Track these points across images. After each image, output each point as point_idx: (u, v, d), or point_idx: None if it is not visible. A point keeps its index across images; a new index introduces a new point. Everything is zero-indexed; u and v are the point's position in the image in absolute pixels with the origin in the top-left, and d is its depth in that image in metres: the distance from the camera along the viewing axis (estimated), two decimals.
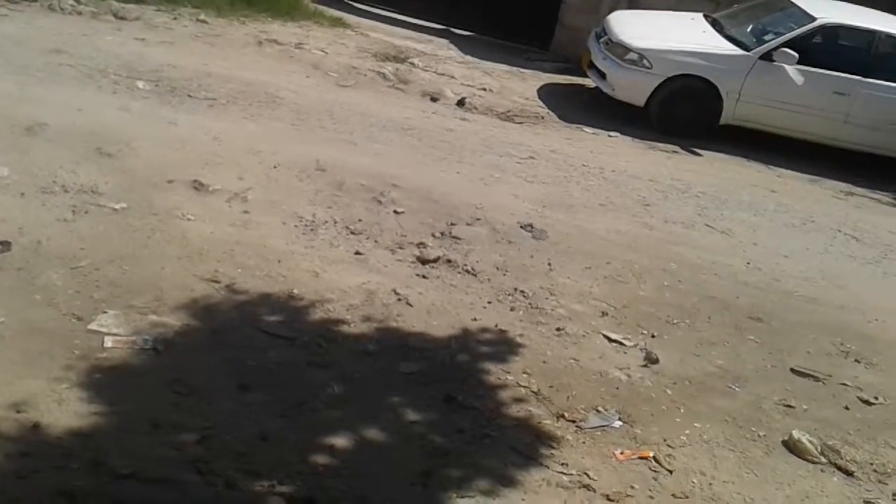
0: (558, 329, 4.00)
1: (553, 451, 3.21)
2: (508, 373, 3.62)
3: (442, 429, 3.19)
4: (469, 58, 8.31)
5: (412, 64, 7.67)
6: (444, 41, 8.76)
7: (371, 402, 3.25)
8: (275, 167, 4.93)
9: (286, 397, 3.16)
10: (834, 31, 7.62)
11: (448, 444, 3.11)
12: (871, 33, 7.52)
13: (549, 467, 3.12)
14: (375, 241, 4.44)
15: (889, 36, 7.54)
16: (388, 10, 9.40)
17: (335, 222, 4.52)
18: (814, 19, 7.42)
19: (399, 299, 3.96)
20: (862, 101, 7.35)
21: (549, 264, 4.59)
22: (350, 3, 9.49)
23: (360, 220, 4.59)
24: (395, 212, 4.77)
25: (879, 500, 3.34)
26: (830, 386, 4.03)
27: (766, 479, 3.32)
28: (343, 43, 7.91)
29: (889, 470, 3.52)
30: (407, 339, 3.70)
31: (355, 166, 5.18)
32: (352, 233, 4.46)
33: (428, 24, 9.18)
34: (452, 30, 9.15)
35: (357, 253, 4.28)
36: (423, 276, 4.21)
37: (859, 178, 7.30)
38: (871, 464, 3.54)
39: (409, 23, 9.12)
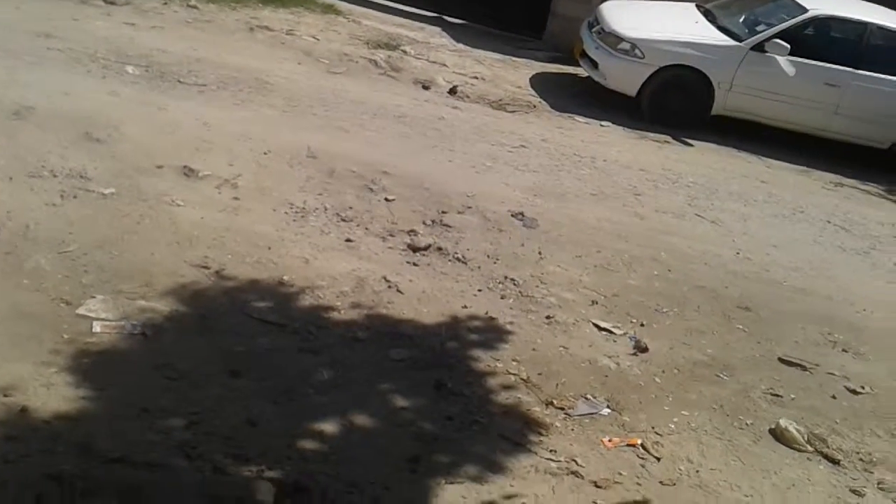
0: (548, 317, 4.01)
1: (542, 438, 3.22)
2: (498, 360, 3.63)
3: (431, 415, 3.19)
4: (461, 46, 8.28)
5: (404, 51, 7.64)
6: (437, 29, 8.72)
7: (360, 389, 3.25)
8: (265, 154, 4.90)
9: (275, 383, 3.15)
10: (825, 23, 7.61)
11: (437, 431, 3.12)
12: (863, 25, 7.53)
13: (537, 454, 3.13)
14: (366, 229, 4.43)
15: (880, 28, 7.54)
16: None
17: (326, 209, 4.50)
18: (805, 11, 7.42)
19: (389, 286, 3.96)
20: (852, 93, 7.36)
21: (540, 253, 4.59)
22: None
23: (350, 208, 4.57)
24: (386, 199, 4.76)
25: (865, 489, 3.36)
26: (818, 375, 4.06)
27: (752, 466, 3.34)
28: (335, 30, 7.86)
29: (875, 459, 3.55)
30: (397, 325, 3.70)
31: (346, 153, 5.16)
32: (342, 220, 4.45)
33: (420, 11, 9.13)
34: (445, 17, 9.11)
35: (348, 240, 4.27)
36: (414, 264, 4.21)
37: (849, 170, 7.33)
38: (857, 452, 3.57)
39: (401, 10, 9.07)
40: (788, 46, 7.18)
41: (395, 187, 4.90)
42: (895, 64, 7.46)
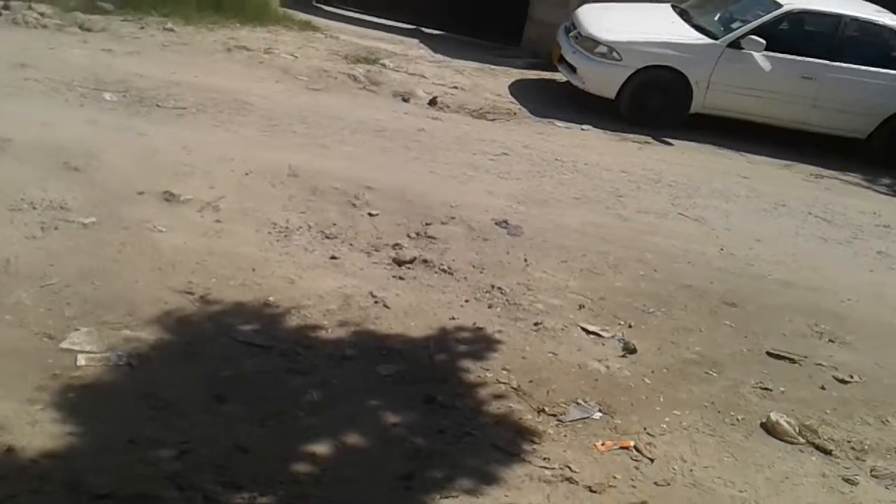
0: (536, 324, 4.02)
1: (535, 446, 3.22)
2: (488, 370, 3.62)
3: (423, 430, 3.19)
4: (440, 56, 8.31)
5: (383, 65, 7.67)
6: (415, 41, 8.76)
7: (350, 407, 3.24)
8: (247, 174, 4.90)
9: (264, 406, 3.14)
10: (800, 17, 7.68)
11: (429, 445, 3.11)
12: (836, 17, 7.60)
13: (531, 462, 3.13)
14: (351, 245, 4.43)
15: (854, 19, 7.62)
16: (357, 12, 9.39)
17: (309, 227, 4.50)
18: (780, 6, 7.49)
19: (376, 302, 3.95)
20: (829, 85, 7.42)
21: (526, 260, 4.60)
22: (318, 5, 9.47)
23: (334, 224, 4.57)
24: (370, 214, 4.76)
25: (858, 477, 3.37)
26: (806, 367, 4.07)
27: (746, 462, 3.35)
28: (312, 46, 7.89)
29: (866, 447, 3.56)
30: (385, 341, 3.69)
31: (328, 170, 5.16)
32: (326, 237, 4.45)
33: (397, 24, 9.18)
34: (422, 29, 9.15)
35: (332, 257, 4.26)
36: (400, 278, 4.21)
37: (829, 161, 7.38)
38: (849, 441, 3.58)
39: (379, 24, 9.13)
40: (764, 42, 7.24)
41: (379, 201, 4.90)
42: (870, 54, 7.53)
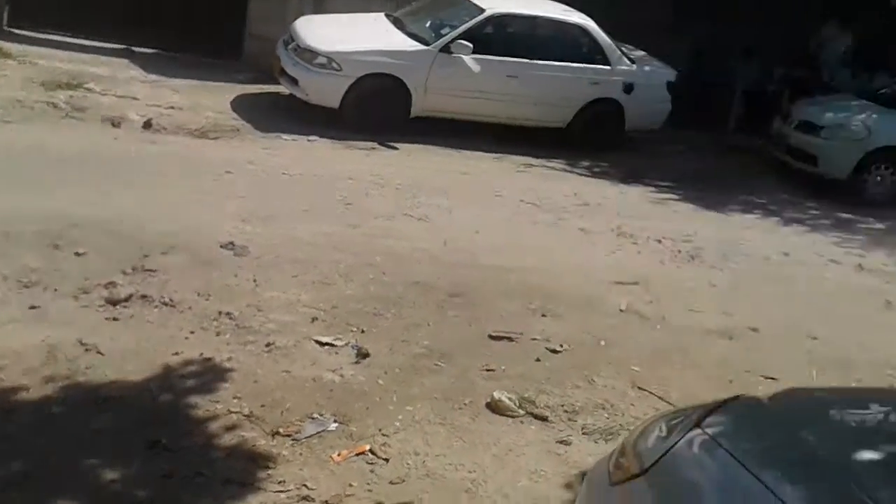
0: (268, 344, 3.96)
1: (269, 472, 3.17)
2: (217, 402, 3.51)
3: (145, 479, 3.01)
4: (154, 76, 7.89)
5: (88, 89, 7.13)
6: (125, 61, 8.23)
7: (58, 472, 2.96)
8: None
9: None
10: (501, 20, 8.26)
11: (153, 494, 2.94)
12: (534, 19, 8.35)
13: (265, 489, 3.08)
14: (55, 291, 4.06)
15: (549, 20, 8.43)
16: (58, 35, 8.57)
17: (4, 278, 4.06)
18: (483, 11, 8.03)
19: (87, 350, 3.66)
20: (530, 82, 8.07)
21: (255, 280, 4.52)
22: (10, 30, 8.50)
23: (33, 271, 4.17)
24: (77, 254, 4.40)
25: (571, 437, 3.71)
26: (523, 343, 4.42)
27: (473, 443, 3.55)
28: (4, 75, 7.14)
29: (577, 408, 3.94)
30: (99, 391, 3.43)
31: (25, 211, 4.68)
32: (24, 286, 4.04)
33: (104, 45, 8.53)
34: (133, 49, 8.59)
35: (32, 307, 3.88)
36: (115, 319, 3.94)
37: (537, 151, 8.02)
38: (562, 406, 3.93)
39: (84, 46, 8.42)
40: (471, 46, 7.73)
41: (87, 238, 4.55)
42: (563, 51, 8.34)
